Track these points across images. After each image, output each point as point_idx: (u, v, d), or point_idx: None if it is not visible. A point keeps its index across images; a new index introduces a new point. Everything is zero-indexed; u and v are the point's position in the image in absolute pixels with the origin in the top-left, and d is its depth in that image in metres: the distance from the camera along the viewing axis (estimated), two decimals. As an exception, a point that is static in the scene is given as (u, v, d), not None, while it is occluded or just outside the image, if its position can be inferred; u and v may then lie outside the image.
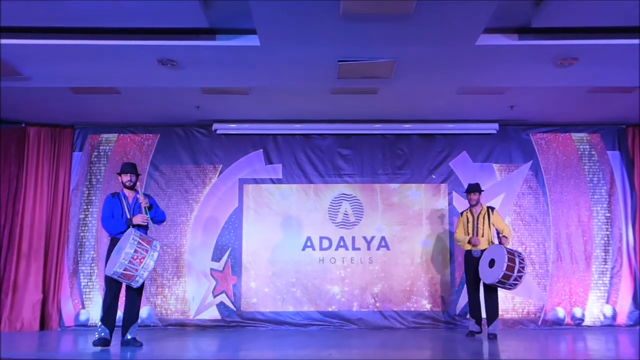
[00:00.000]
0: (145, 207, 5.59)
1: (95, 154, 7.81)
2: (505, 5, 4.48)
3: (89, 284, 7.52)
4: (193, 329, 7.35)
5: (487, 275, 6.24)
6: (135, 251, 5.15)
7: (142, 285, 5.43)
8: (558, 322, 7.42)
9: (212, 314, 7.50)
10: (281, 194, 7.82)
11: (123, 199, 5.67)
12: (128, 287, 5.48)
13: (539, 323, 7.44)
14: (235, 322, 7.45)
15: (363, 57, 5.28)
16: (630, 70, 5.56)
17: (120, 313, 5.60)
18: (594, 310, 7.51)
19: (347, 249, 7.70)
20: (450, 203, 7.75)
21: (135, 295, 5.56)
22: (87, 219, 7.67)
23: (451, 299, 7.54)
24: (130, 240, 5.17)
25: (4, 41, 4.89)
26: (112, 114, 7.35)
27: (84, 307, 7.45)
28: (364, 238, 7.73)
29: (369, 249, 7.70)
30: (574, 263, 7.60)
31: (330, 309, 7.56)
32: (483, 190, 6.78)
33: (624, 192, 7.76)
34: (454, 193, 7.71)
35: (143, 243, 5.23)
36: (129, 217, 5.57)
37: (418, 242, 7.71)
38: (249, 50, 5.12)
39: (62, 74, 5.74)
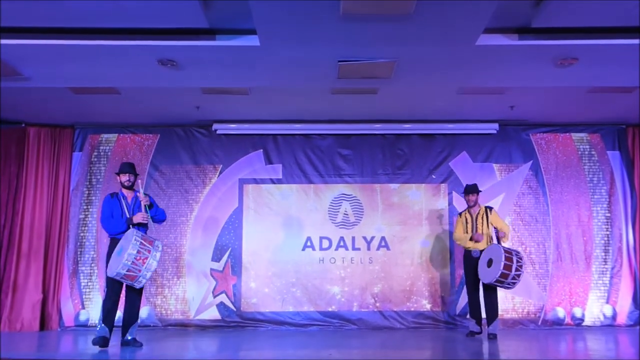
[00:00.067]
0: (145, 205, 5.59)
1: (95, 154, 7.81)
2: (505, 5, 4.48)
3: (89, 284, 7.52)
4: (193, 329, 7.35)
5: (485, 274, 6.25)
6: (138, 252, 5.15)
7: (142, 285, 5.43)
8: (558, 322, 7.42)
9: (212, 314, 7.50)
10: (281, 194, 7.82)
11: (122, 199, 5.67)
12: (128, 287, 5.48)
13: (539, 323, 7.44)
14: (235, 322, 7.45)
15: (363, 57, 5.27)
16: (630, 70, 5.56)
17: (120, 313, 5.60)
18: (594, 310, 7.51)
19: (347, 249, 7.70)
20: (450, 203, 7.75)
21: (135, 295, 5.56)
22: (87, 219, 7.67)
23: (451, 299, 7.54)
24: (132, 241, 5.16)
25: (4, 41, 4.89)
26: (112, 114, 7.35)
27: (83, 308, 7.45)
28: (364, 238, 7.73)
29: (369, 249, 7.70)
30: (574, 263, 7.60)
31: (330, 309, 7.56)
32: (481, 191, 6.78)
33: (624, 192, 7.76)
34: (454, 193, 7.71)
35: (145, 243, 5.23)
36: (128, 216, 5.57)
37: (418, 242, 7.71)
38: (249, 51, 5.12)
39: (62, 74, 5.74)
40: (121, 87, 6.32)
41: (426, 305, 7.56)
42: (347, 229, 7.75)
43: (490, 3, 4.28)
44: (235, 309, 7.51)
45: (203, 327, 7.39)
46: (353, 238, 7.73)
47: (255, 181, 7.81)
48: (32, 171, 7.58)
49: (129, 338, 5.52)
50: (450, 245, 7.60)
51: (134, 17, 4.66)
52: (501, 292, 6.69)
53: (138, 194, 5.65)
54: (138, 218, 5.53)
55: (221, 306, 7.52)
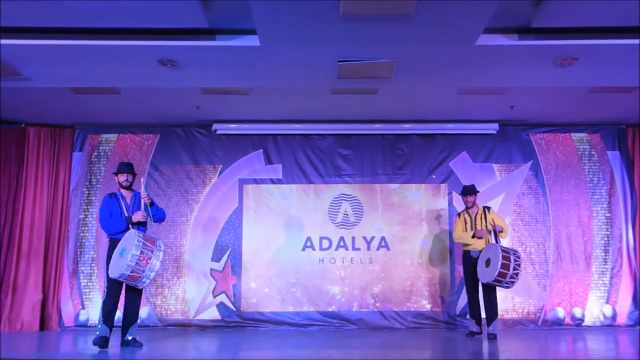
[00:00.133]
0: (147, 204, 5.57)
1: (95, 154, 7.82)
2: (505, 5, 4.48)
3: (89, 284, 7.52)
4: (193, 330, 7.35)
5: (484, 274, 6.26)
6: (141, 252, 5.15)
7: (146, 285, 5.43)
8: (558, 322, 7.42)
9: (212, 314, 7.50)
10: (281, 194, 7.82)
11: (121, 199, 5.66)
12: (128, 287, 5.48)
13: (539, 323, 7.44)
14: (235, 323, 7.45)
15: (363, 57, 5.27)
16: (630, 70, 5.56)
17: (119, 313, 5.60)
18: (594, 310, 7.51)
19: (347, 249, 7.70)
20: (450, 203, 7.75)
21: (135, 295, 5.56)
22: (87, 219, 7.67)
23: (451, 299, 7.54)
24: (135, 242, 5.15)
25: (4, 41, 4.89)
26: (112, 114, 7.35)
27: (83, 308, 7.44)
28: (364, 238, 7.73)
29: (369, 249, 7.70)
30: (574, 263, 7.60)
31: (330, 309, 7.56)
32: (479, 192, 6.77)
33: (624, 192, 7.76)
34: (453, 193, 7.70)
35: (148, 244, 5.23)
36: (127, 216, 5.56)
37: (418, 242, 7.71)
38: (249, 51, 5.12)
39: (62, 74, 5.73)
40: (121, 87, 6.32)
41: (426, 306, 7.56)
42: (347, 229, 7.75)
43: (490, 3, 4.28)
44: (235, 309, 7.51)
45: (203, 327, 7.39)
46: (353, 238, 7.73)
47: (255, 181, 7.81)
48: (32, 171, 7.58)
49: (129, 338, 5.52)
50: (450, 245, 7.60)
51: (134, 17, 4.67)
52: (501, 292, 6.69)
53: (141, 191, 5.62)
54: (138, 217, 5.52)
55: (221, 306, 7.52)
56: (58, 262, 7.48)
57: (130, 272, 5.14)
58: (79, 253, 7.58)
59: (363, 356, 5.44)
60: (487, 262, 6.23)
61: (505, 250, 6.15)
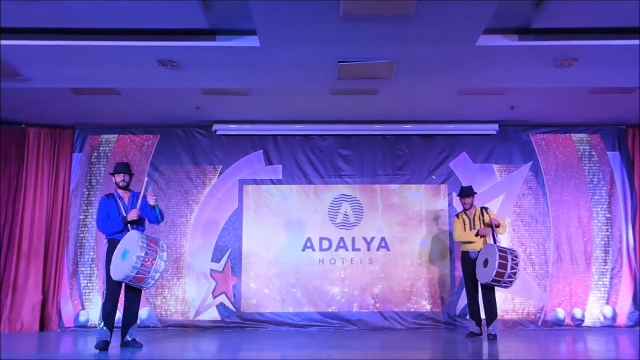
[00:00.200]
0: (153, 205, 5.52)
1: (95, 154, 7.82)
2: (505, 5, 4.48)
3: (89, 284, 7.51)
4: (193, 330, 7.34)
5: (482, 275, 6.27)
6: (146, 253, 5.14)
7: (150, 286, 5.42)
8: (558, 323, 7.41)
9: (212, 314, 7.49)
10: (281, 194, 7.82)
11: (118, 200, 5.65)
12: (127, 287, 5.47)
13: (539, 324, 7.44)
14: (235, 323, 7.45)
15: (363, 58, 5.27)
16: (630, 71, 5.56)
17: (119, 314, 5.60)
18: (594, 311, 7.51)
19: (347, 249, 7.69)
20: (450, 204, 7.75)
21: (135, 296, 5.55)
22: (86, 219, 7.66)
23: (451, 300, 7.54)
24: (139, 243, 5.14)
25: (4, 42, 4.89)
26: (112, 114, 7.35)
27: (83, 308, 7.44)
28: (364, 239, 7.73)
29: (369, 249, 7.70)
30: (574, 264, 7.60)
31: (330, 310, 7.56)
32: (476, 193, 6.76)
33: (624, 192, 7.76)
34: (453, 194, 7.69)
35: (151, 244, 5.22)
36: (124, 216, 5.52)
37: (418, 242, 7.71)
38: (249, 51, 5.12)
39: (62, 75, 5.74)
40: (121, 87, 6.32)
41: (426, 306, 7.56)
42: (347, 229, 7.75)
43: (490, 3, 4.28)
44: (235, 310, 7.51)
45: (203, 328, 7.38)
46: (353, 239, 7.72)
47: (255, 182, 7.81)
48: (32, 172, 7.58)
49: (129, 339, 5.51)
50: (450, 246, 7.60)
51: (134, 18, 4.67)
52: (501, 293, 6.69)
53: (144, 192, 5.59)
54: (132, 215, 5.48)
55: (221, 307, 7.51)
56: (58, 262, 7.48)
57: (136, 274, 5.13)
58: (78, 254, 7.58)
59: (363, 357, 5.44)
60: (485, 263, 6.23)
61: (502, 250, 6.15)
